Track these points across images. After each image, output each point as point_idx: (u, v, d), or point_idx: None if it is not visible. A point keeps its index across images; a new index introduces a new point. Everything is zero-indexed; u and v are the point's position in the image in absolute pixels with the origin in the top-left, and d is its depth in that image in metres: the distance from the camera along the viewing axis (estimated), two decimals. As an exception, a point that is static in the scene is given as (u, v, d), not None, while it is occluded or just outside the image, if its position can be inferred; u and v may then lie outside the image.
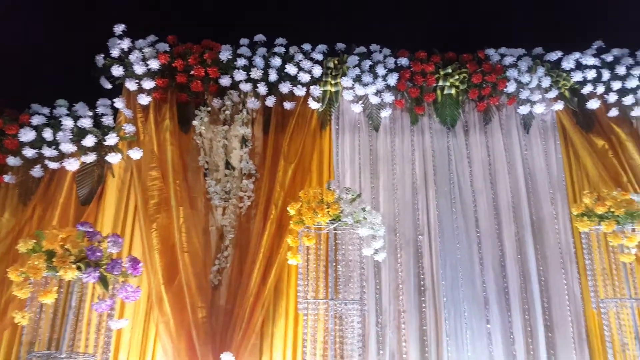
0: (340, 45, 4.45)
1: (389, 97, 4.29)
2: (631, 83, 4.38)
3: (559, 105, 4.39)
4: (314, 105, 4.26)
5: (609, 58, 4.43)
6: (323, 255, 3.70)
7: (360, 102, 4.34)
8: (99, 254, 2.92)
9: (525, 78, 4.33)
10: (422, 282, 4.01)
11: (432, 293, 3.98)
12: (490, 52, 4.45)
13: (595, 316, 3.90)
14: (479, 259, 4.08)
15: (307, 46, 4.37)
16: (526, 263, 4.08)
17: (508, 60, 4.37)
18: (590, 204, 3.73)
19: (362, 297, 3.70)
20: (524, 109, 4.39)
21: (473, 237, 4.13)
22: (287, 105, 4.25)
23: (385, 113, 4.32)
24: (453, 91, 4.38)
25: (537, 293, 4.01)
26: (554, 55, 4.45)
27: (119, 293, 2.98)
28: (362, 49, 4.41)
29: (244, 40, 4.37)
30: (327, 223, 3.51)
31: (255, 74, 4.19)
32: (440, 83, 4.36)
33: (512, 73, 4.32)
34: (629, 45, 4.56)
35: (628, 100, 4.39)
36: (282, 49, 4.33)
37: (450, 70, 4.35)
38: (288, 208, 3.58)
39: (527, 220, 4.18)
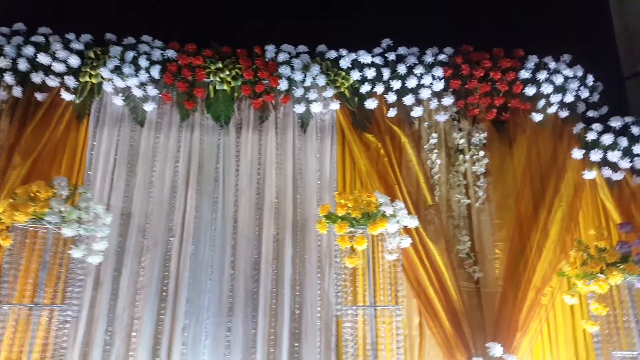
0: (111, 36, 4.21)
1: (152, 91, 4.07)
2: (411, 82, 4.25)
3: (336, 105, 4.24)
4: (67, 96, 3.99)
5: (391, 57, 4.31)
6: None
7: (121, 94, 4.10)
8: None
9: (297, 76, 4.15)
10: (165, 288, 3.76)
11: (174, 299, 3.72)
12: (269, 48, 4.27)
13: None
14: (231, 262, 3.85)
15: (71, 35, 4.12)
16: (282, 266, 3.86)
17: (282, 57, 4.20)
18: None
19: (72, 302, 3.41)
20: (299, 108, 4.21)
21: (228, 239, 3.90)
22: (39, 96, 3.98)
23: (149, 107, 4.08)
24: (226, 87, 4.18)
25: (289, 299, 3.79)
26: (333, 53, 4.30)
27: None
28: (131, 39, 4.18)
29: (3, 29, 4.10)
30: (27, 222, 3.25)
31: (1, 63, 3.92)
32: (211, 78, 4.16)
33: (284, 70, 4.15)
34: (420, 44, 4.46)
35: (408, 100, 4.27)
36: (42, 38, 4.07)
37: (220, 65, 4.16)
38: (-5, 206, 3.31)
39: (290, 221, 3.97)
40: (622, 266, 3.18)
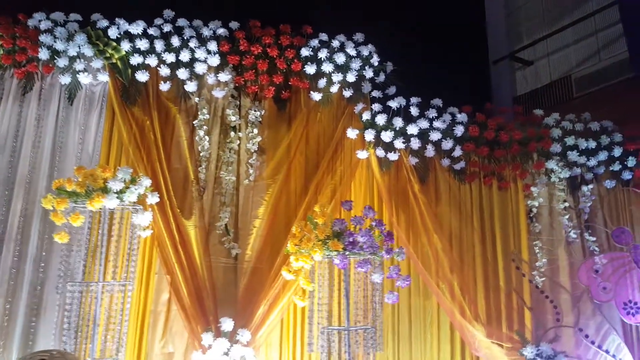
0: None
1: None
2: (185, 56, 4.16)
3: (105, 77, 4.11)
4: None
5: (167, 28, 4.19)
6: None
7: None
8: None
9: (59, 45, 4.00)
10: None
11: None
12: (35, 15, 4.08)
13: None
14: (-31, 239, 3.73)
15: None
16: (26, 243, 3.77)
17: (45, 24, 4.02)
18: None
19: None
20: (65, 79, 4.06)
21: (-31, 216, 3.77)
22: None
23: None
24: (-13, 55, 3.99)
25: (30, 275, 3.72)
26: (104, 23, 4.16)
27: None
28: None
29: None
30: None
31: None
32: (-31, 47, 3.96)
33: (46, 38, 3.98)
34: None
35: (183, 74, 4.18)
36: None
37: (-23, 34, 3.96)
38: None
39: (41, 197, 3.84)
40: (328, 242, 3.24)
